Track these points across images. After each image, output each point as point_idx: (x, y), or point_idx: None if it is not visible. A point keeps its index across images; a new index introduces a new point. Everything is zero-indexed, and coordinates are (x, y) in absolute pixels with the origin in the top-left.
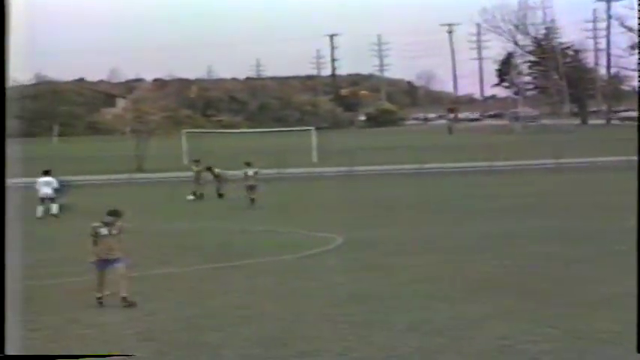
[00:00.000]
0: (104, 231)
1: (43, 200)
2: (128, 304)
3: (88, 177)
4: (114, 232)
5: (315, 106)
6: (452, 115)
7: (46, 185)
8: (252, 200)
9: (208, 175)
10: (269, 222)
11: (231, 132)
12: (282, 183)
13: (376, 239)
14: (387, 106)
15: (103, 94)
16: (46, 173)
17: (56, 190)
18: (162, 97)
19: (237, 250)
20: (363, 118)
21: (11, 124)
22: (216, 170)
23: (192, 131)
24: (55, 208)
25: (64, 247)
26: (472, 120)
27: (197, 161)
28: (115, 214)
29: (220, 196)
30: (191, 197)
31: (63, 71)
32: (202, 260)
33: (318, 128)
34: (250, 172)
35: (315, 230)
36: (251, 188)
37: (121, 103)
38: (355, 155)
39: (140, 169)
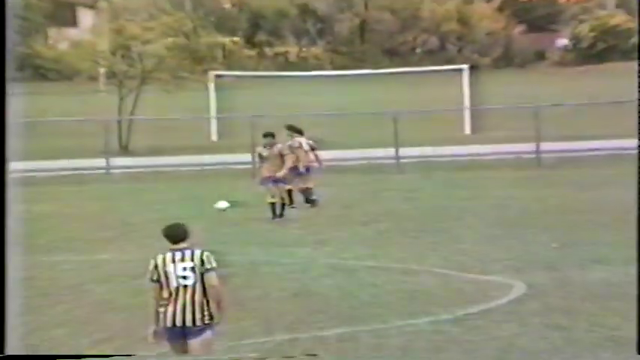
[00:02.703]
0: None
1: None
2: None
3: (24, 165)
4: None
5: (467, 25)
6: None
7: None
8: (310, 200)
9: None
10: (381, 248)
11: (302, 76)
12: (405, 174)
13: (595, 286)
14: (617, 19)
15: (51, 1)
16: None
17: None
18: (167, 7)
19: (330, 307)
20: (564, 44)
21: None
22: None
23: (226, 75)
24: None
25: None
26: None
27: (267, 137)
28: (181, 234)
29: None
30: (222, 205)
31: None
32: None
33: (473, 68)
34: (304, 143)
35: (470, 266)
36: (304, 177)
37: (86, 18)
38: (546, 120)
39: (126, 150)
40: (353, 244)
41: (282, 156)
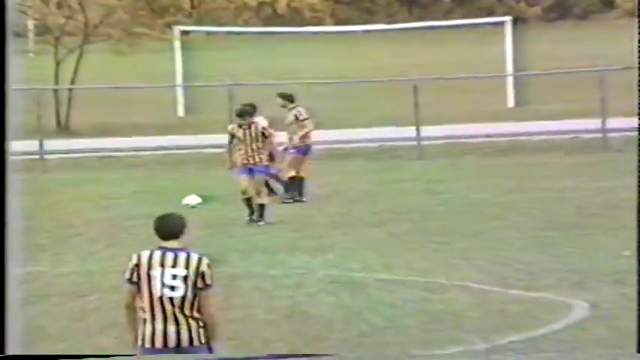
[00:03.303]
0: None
1: None
2: None
3: None
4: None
5: None
6: None
7: None
8: (292, 191)
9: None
10: (397, 256)
11: (294, 32)
12: (429, 159)
13: None
14: None
15: None
16: None
17: None
18: None
19: (332, 333)
20: None
21: None
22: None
23: (196, 31)
24: None
25: None
26: None
27: (244, 116)
28: (176, 229)
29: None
30: (192, 201)
31: None
32: None
33: (518, 20)
34: (291, 116)
35: (514, 280)
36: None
37: None
38: (614, 88)
39: (65, 129)
40: (361, 250)
41: (264, 137)
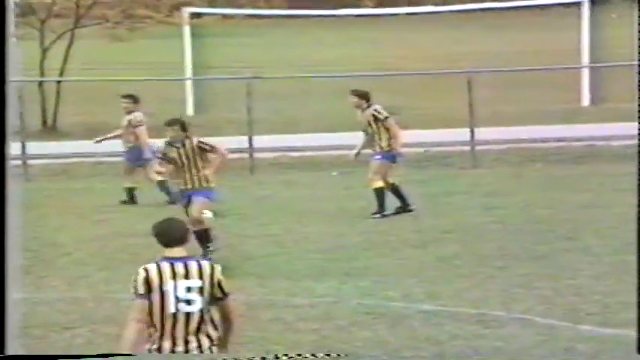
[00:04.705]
0: None
1: None
2: None
3: None
4: None
5: None
6: None
7: None
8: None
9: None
10: (445, 283)
11: (327, 16)
12: (484, 168)
13: None
14: None
15: None
16: None
17: None
18: None
19: None
20: None
21: None
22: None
23: (209, 14)
24: None
25: None
26: None
27: (179, 125)
28: (180, 235)
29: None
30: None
31: None
32: None
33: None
34: (368, 117)
35: (586, 313)
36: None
37: None
38: None
39: (52, 130)
40: (402, 276)
41: (202, 152)
